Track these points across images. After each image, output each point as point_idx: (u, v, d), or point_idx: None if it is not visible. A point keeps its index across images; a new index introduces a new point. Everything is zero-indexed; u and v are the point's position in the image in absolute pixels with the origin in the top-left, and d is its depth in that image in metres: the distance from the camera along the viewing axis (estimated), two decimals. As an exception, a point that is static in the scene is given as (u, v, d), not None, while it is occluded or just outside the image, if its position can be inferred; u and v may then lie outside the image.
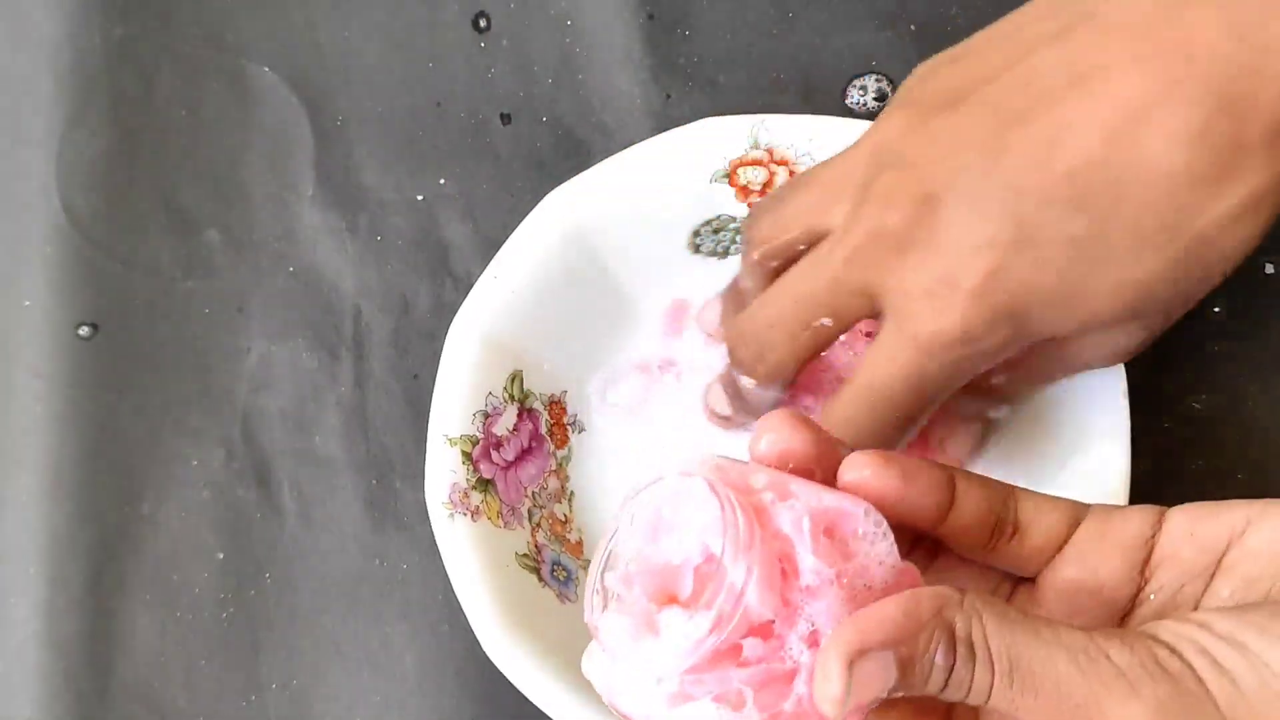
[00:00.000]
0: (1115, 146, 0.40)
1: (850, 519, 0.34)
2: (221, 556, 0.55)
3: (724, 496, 0.34)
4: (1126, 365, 0.51)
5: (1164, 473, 0.54)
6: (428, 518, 0.50)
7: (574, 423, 0.54)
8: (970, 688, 0.32)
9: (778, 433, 0.36)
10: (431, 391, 0.51)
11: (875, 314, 0.44)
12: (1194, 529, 0.37)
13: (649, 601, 0.34)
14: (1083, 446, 0.51)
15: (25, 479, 0.56)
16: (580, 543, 0.53)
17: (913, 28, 0.57)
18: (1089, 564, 0.37)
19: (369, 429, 0.56)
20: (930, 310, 0.42)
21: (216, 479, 0.56)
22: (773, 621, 0.33)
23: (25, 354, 0.57)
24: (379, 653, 0.54)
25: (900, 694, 0.32)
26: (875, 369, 0.44)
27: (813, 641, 0.33)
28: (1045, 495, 0.38)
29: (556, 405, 0.53)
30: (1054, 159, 0.40)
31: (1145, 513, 0.37)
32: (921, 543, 0.38)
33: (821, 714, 0.32)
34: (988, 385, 0.46)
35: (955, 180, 0.42)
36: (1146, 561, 0.37)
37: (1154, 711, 0.31)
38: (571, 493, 0.53)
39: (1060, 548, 0.37)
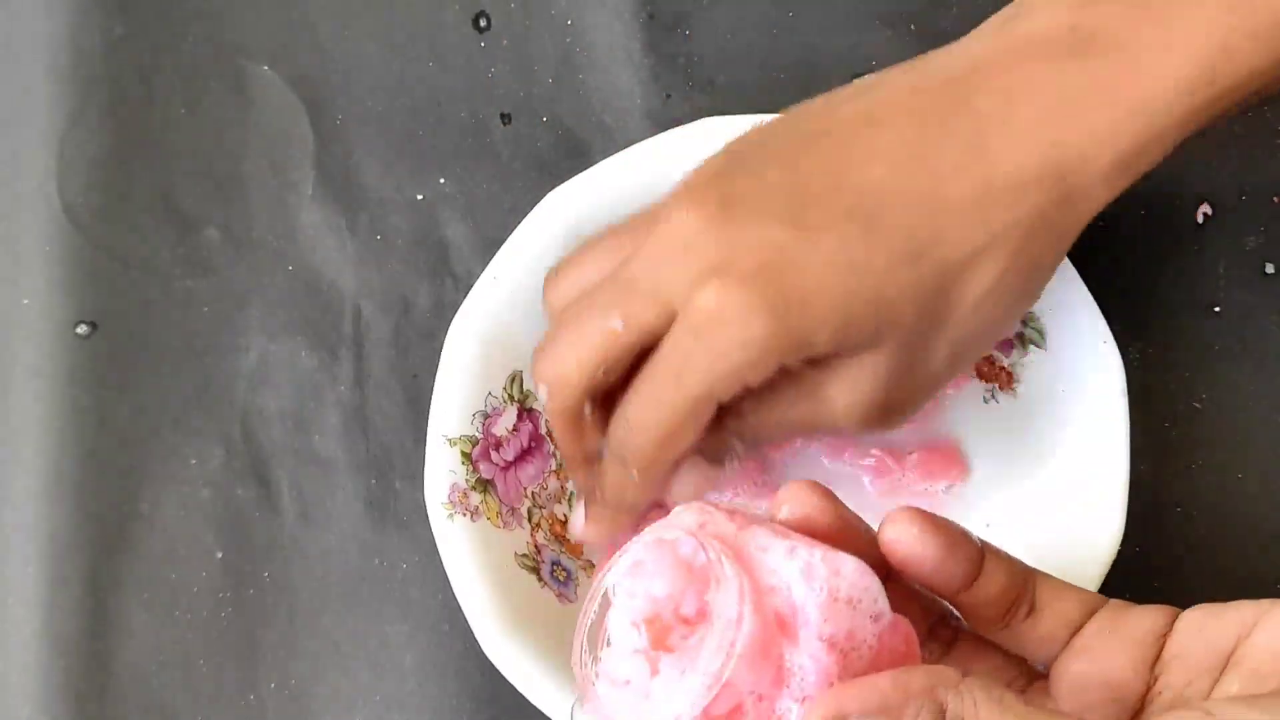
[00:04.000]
0: (895, 172, 0.43)
1: (846, 570, 0.34)
2: (220, 556, 0.55)
3: (713, 549, 0.34)
4: (1126, 365, 0.51)
5: (1164, 472, 0.54)
6: (427, 518, 0.50)
7: (574, 423, 0.54)
8: None
9: (797, 501, 0.36)
10: (431, 391, 0.51)
11: (668, 323, 0.44)
12: (1203, 625, 0.37)
13: (641, 650, 0.34)
14: (1082, 446, 0.51)
15: (24, 477, 0.56)
16: (580, 543, 0.53)
17: (913, 27, 0.57)
18: (1099, 657, 0.37)
19: (369, 428, 0.56)
20: (698, 295, 0.43)
21: (215, 478, 0.56)
22: (765, 678, 0.34)
23: (24, 352, 0.57)
24: (379, 652, 0.54)
25: None
26: (656, 363, 0.44)
27: (803, 699, 0.34)
28: (1064, 582, 0.38)
29: (556, 405, 0.53)
30: (842, 173, 0.44)
31: (1159, 612, 0.38)
32: (940, 631, 0.39)
33: None
34: (736, 414, 0.46)
35: (749, 189, 0.44)
36: (1157, 658, 0.37)
37: None
38: (571, 493, 0.53)
39: (1074, 634, 0.38)
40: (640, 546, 0.35)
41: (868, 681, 0.33)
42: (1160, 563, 0.53)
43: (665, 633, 0.34)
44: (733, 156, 0.46)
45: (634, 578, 0.35)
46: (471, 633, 0.49)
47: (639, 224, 0.47)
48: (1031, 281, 0.45)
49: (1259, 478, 0.54)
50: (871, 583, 0.35)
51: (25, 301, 0.57)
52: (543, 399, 0.47)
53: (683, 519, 0.36)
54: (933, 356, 0.45)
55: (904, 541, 0.36)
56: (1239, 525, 0.54)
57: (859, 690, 0.33)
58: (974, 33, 0.46)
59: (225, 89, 0.59)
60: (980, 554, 0.37)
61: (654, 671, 0.34)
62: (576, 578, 0.52)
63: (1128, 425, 0.50)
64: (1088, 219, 0.45)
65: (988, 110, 0.43)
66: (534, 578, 0.50)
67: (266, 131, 0.59)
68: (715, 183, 0.45)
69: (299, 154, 0.58)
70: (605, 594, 0.35)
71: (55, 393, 0.56)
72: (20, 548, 0.55)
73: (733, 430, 0.47)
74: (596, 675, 0.35)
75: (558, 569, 0.51)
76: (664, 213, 0.45)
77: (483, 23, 0.59)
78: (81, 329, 0.57)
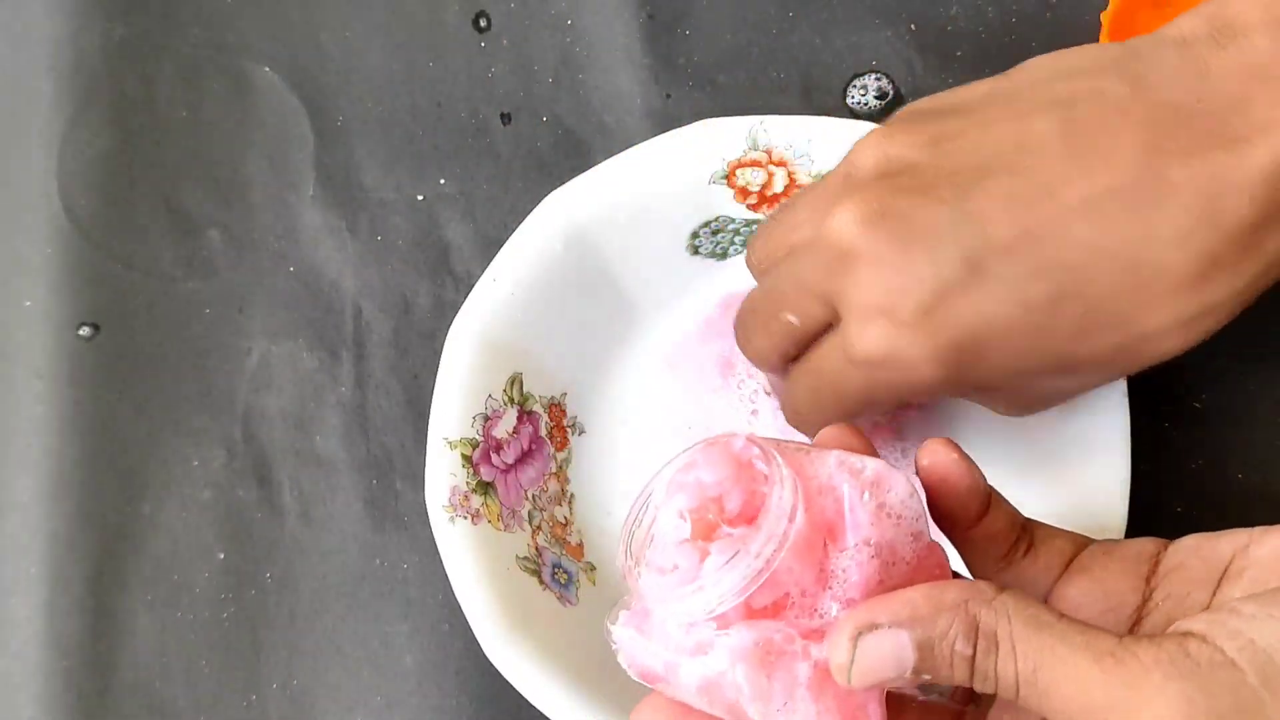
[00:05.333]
0: (1094, 224, 0.39)
1: (897, 487, 0.36)
2: (222, 556, 0.55)
3: (769, 447, 0.35)
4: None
5: (1164, 473, 0.54)
6: (428, 518, 0.50)
7: (574, 425, 0.54)
8: (996, 681, 0.33)
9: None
10: (431, 391, 0.51)
11: (835, 320, 0.44)
12: (1199, 545, 0.38)
13: (689, 529, 0.35)
14: (1083, 447, 0.51)
15: (26, 479, 0.56)
16: (581, 545, 0.53)
17: (913, 27, 0.57)
18: (1096, 577, 0.38)
19: (369, 429, 0.56)
20: (862, 331, 0.42)
21: (217, 479, 0.56)
22: (809, 576, 0.34)
23: (26, 354, 0.57)
24: (379, 653, 0.54)
25: (928, 678, 0.33)
26: (820, 360, 0.45)
27: (845, 601, 0.34)
28: (1058, 527, 0.40)
29: (556, 407, 0.53)
30: (1027, 217, 0.40)
31: (1151, 540, 0.39)
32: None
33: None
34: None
35: (919, 207, 0.41)
36: (1153, 573, 0.38)
37: (1183, 705, 0.31)
38: (572, 495, 0.53)
39: (1069, 565, 0.39)
40: (692, 449, 0.36)
41: (902, 594, 0.34)
42: (1160, 562, 0.53)
43: (711, 529, 0.35)
44: (906, 143, 0.42)
45: (684, 472, 0.36)
46: (471, 633, 0.49)
47: (833, 185, 0.44)
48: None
49: (1259, 478, 0.54)
50: (916, 503, 0.36)
51: (27, 303, 0.57)
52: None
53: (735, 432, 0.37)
54: (1103, 383, 0.46)
55: (942, 463, 0.37)
56: (1239, 525, 0.54)
57: (892, 602, 0.33)
58: (1178, 37, 0.41)
59: (226, 90, 0.59)
60: (989, 493, 0.38)
61: (701, 558, 0.34)
62: (578, 580, 0.52)
63: (1128, 425, 0.50)
64: None
65: (1221, 161, 0.39)
66: (535, 580, 0.50)
67: (267, 132, 0.59)
68: (882, 183, 0.42)
69: (299, 155, 0.58)
70: (653, 495, 0.36)
71: (57, 394, 0.56)
72: (23, 548, 0.55)
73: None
74: (642, 568, 0.35)
75: (559, 571, 0.51)
76: (837, 199, 0.42)
77: (483, 23, 0.59)
78: (83, 330, 0.57)
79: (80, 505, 0.55)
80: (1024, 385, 0.44)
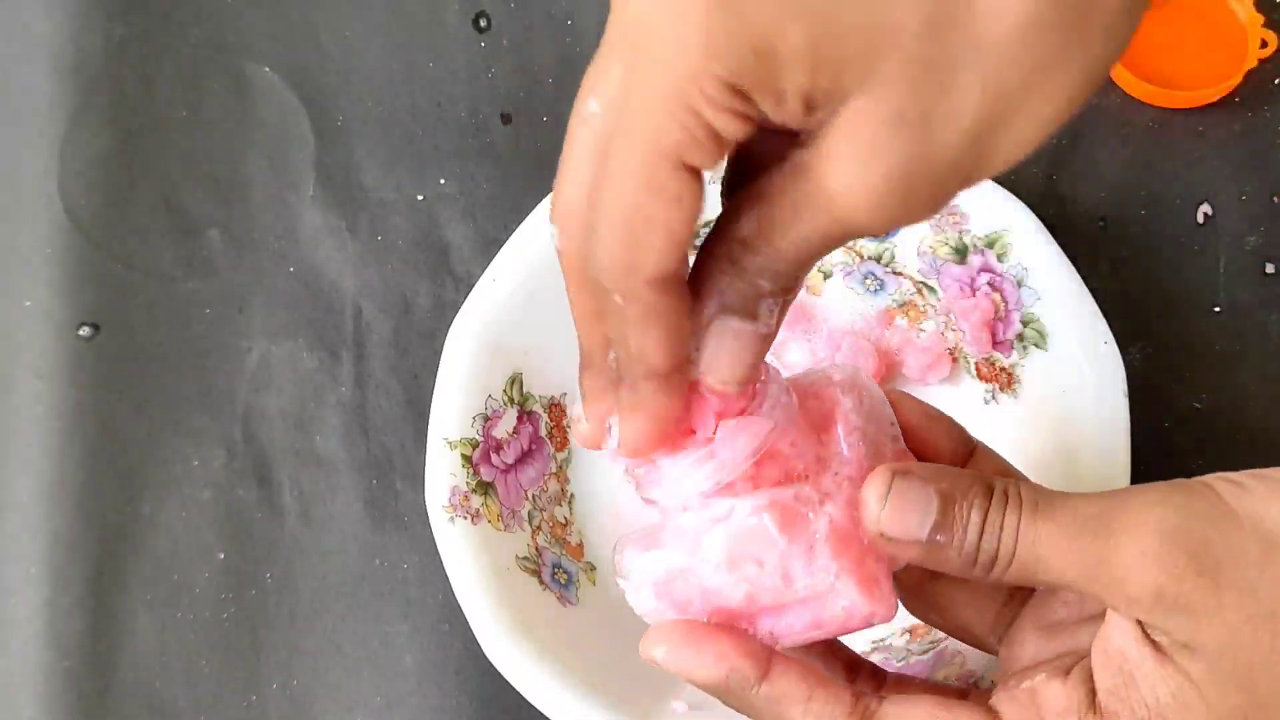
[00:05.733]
0: None
1: (871, 387, 0.39)
2: (222, 556, 0.55)
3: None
4: (1127, 365, 0.51)
5: (1164, 473, 0.53)
6: (428, 518, 0.50)
7: (574, 425, 0.54)
8: (998, 547, 0.35)
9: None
10: (431, 391, 0.51)
11: None
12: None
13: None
14: (1083, 447, 0.51)
15: (26, 479, 0.56)
16: (581, 545, 0.53)
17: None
18: None
19: (369, 429, 0.56)
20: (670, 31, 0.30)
21: (217, 479, 0.56)
22: (809, 455, 0.36)
23: (26, 354, 0.57)
24: (379, 653, 0.54)
25: (940, 538, 0.35)
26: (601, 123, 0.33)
27: (846, 480, 0.36)
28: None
29: (556, 407, 0.53)
30: None
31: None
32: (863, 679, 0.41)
33: (864, 534, 0.36)
34: (744, 246, 0.33)
35: None
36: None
37: (1170, 510, 0.34)
38: (572, 495, 0.53)
39: None
40: None
41: (927, 464, 0.37)
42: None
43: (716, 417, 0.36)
44: None
45: None
46: (471, 633, 0.49)
47: None
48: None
49: (1259, 478, 0.54)
50: (889, 410, 0.39)
51: (27, 303, 0.57)
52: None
53: None
54: (958, 100, 0.30)
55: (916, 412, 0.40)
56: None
57: (920, 462, 0.36)
58: None
59: (226, 90, 0.59)
60: (970, 440, 0.40)
61: (712, 433, 0.36)
62: (578, 580, 0.52)
63: (1128, 425, 0.50)
64: None
65: None
66: (535, 580, 0.50)
67: (267, 132, 0.59)
68: None
69: (299, 155, 0.58)
70: None
71: (57, 394, 0.56)
72: (23, 548, 0.55)
73: (750, 270, 0.33)
74: (655, 460, 0.36)
75: (559, 572, 0.51)
76: None
77: (483, 23, 0.59)
78: (83, 330, 0.57)
79: (80, 505, 0.55)
80: (843, 98, 0.30)
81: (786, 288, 0.33)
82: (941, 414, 0.40)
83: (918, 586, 0.41)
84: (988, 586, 0.40)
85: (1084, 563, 0.35)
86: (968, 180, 0.31)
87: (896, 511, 0.35)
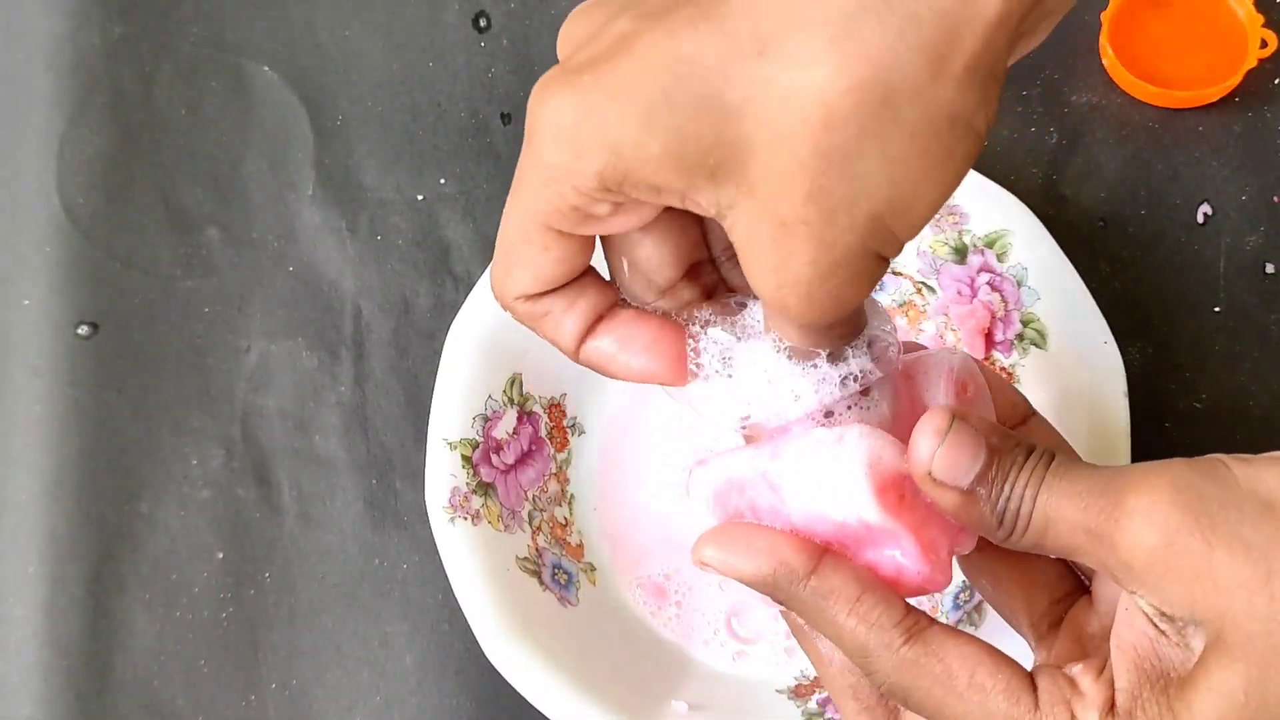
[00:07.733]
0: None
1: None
2: (221, 556, 0.55)
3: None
4: (1126, 365, 0.51)
5: (1163, 473, 0.54)
6: (427, 517, 0.50)
7: (574, 425, 0.54)
8: (1022, 494, 0.35)
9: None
10: (431, 392, 0.51)
11: None
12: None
13: None
14: (1083, 447, 0.51)
15: (24, 478, 0.56)
16: (581, 545, 0.53)
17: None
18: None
19: (369, 429, 0.56)
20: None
21: (216, 478, 0.56)
22: (902, 425, 0.37)
23: (25, 353, 0.57)
24: (379, 652, 0.54)
25: (981, 490, 0.35)
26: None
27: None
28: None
29: (556, 408, 0.53)
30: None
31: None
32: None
33: (913, 469, 0.36)
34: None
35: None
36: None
37: (1170, 481, 0.35)
38: (572, 495, 0.53)
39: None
40: None
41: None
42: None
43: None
44: None
45: None
46: (471, 633, 0.49)
47: None
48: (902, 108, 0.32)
49: (1259, 478, 0.54)
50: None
51: (25, 302, 0.57)
52: None
53: None
54: (791, 197, 0.32)
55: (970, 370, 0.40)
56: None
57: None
58: None
59: (225, 89, 0.59)
60: (1026, 405, 0.41)
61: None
62: (578, 580, 0.52)
63: (1128, 425, 0.50)
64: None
65: None
66: (535, 581, 0.50)
67: (266, 132, 0.59)
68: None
69: (299, 154, 0.58)
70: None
71: (56, 393, 0.56)
72: (21, 548, 0.55)
73: (789, 336, 0.37)
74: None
75: (559, 572, 0.51)
76: None
77: (483, 23, 0.59)
78: (82, 330, 0.57)
79: (79, 504, 0.55)
80: (718, 188, 0.34)
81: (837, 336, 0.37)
82: (1000, 379, 0.41)
83: (980, 552, 0.40)
84: (1050, 575, 0.40)
85: (1087, 527, 0.35)
86: (838, 284, 0.33)
87: (951, 451, 0.35)
